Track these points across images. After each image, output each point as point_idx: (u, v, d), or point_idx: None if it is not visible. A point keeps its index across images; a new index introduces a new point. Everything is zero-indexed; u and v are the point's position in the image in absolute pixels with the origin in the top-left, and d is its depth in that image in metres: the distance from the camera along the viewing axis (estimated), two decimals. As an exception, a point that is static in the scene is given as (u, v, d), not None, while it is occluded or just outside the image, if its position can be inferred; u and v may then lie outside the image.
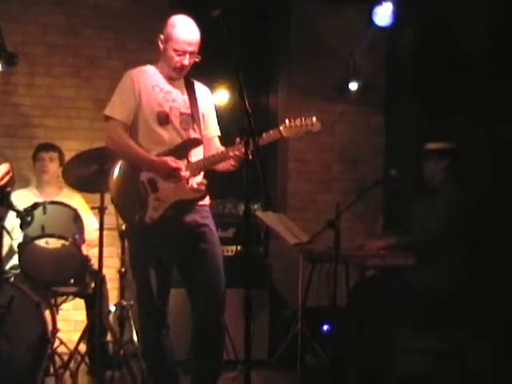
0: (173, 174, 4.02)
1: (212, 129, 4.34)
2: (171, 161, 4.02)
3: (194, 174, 4.10)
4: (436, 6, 6.24)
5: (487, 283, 5.20)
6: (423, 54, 6.55)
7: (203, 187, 4.14)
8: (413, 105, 6.77)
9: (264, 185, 3.50)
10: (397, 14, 6.34)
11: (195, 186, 4.10)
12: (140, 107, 4.12)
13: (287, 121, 4.06)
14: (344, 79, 7.04)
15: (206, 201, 4.22)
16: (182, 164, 4.04)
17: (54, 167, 5.80)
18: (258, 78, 7.16)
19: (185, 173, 4.04)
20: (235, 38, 3.53)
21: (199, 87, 4.32)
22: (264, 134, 4.00)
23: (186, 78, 4.26)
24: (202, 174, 4.19)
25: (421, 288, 5.01)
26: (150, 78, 4.18)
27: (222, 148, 4.24)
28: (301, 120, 4.06)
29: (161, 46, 4.16)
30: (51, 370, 4.92)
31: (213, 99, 4.44)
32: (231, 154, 4.00)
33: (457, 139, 5.47)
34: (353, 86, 7.01)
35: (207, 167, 4.13)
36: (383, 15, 6.42)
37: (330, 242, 5.12)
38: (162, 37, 4.15)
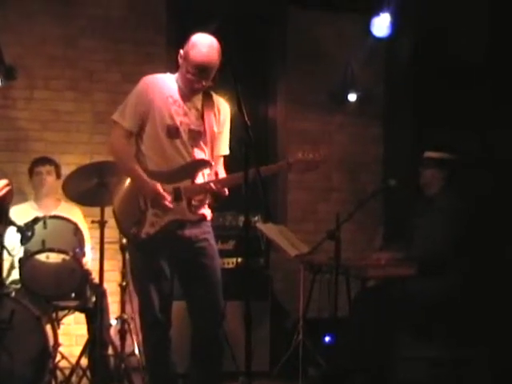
0: (158, 201, 3.97)
1: (220, 148, 4.23)
2: (160, 188, 3.95)
3: (194, 197, 4.05)
4: (433, 16, 6.27)
5: (487, 293, 5.21)
6: (421, 64, 6.57)
7: (203, 210, 4.12)
8: (411, 115, 6.79)
9: (264, 196, 3.50)
10: (394, 24, 6.36)
11: (194, 207, 4.07)
12: (150, 116, 4.04)
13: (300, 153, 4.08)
14: (342, 89, 7.05)
15: (209, 216, 4.19)
16: (170, 195, 3.98)
17: (51, 180, 5.79)
18: (257, 88, 7.18)
19: (169, 204, 3.96)
20: (233, 51, 3.53)
21: (217, 102, 4.19)
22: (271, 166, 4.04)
23: (205, 90, 4.14)
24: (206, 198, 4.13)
25: (422, 298, 5.00)
26: (166, 88, 4.08)
27: (222, 168, 4.24)
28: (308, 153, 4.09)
29: (179, 60, 4.05)
30: (53, 384, 4.93)
31: (229, 116, 4.26)
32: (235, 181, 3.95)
33: (455, 148, 5.47)
34: (351, 97, 7.03)
35: (209, 191, 4.03)
36: (381, 26, 6.43)
37: (330, 253, 5.11)
38: (181, 52, 4.03)
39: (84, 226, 5.59)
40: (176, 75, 4.12)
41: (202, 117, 4.11)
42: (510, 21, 5.65)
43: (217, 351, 4.19)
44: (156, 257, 4.07)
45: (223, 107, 4.21)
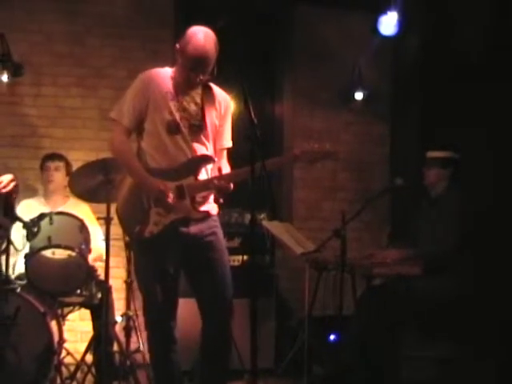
0: (160, 199, 3.93)
1: (223, 141, 4.18)
2: (162, 185, 3.91)
3: (197, 194, 4.01)
4: (441, 14, 6.26)
5: (493, 291, 5.20)
6: (428, 63, 6.56)
7: (207, 207, 4.09)
8: (418, 113, 6.78)
9: (270, 194, 3.48)
10: (402, 23, 6.34)
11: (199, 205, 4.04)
12: (149, 112, 3.99)
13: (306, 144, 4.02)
14: (349, 88, 7.04)
15: (214, 211, 4.16)
16: (173, 193, 3.94)
17: (59, 177, 5.79)
18: (263, 86, 7.18)
19: (171, 200, 3.91)
20: (240, 49, 3.51)
21: (218, 94, 4.12)
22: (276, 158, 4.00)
23: (205, 83, 4.07)
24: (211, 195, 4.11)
25: (427, 296, 4.99)
26: (165, 83, 4.02)
27: (226, 161, 4.22)
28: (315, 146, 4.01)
29: (176, 54, 3.98)
30: (58, 380, 4.92)
31: (231, 108, 4.20)
32: (238, 177, 3.92)
33: (461, 148, 5.46)
34: (358, 95, 7.02)
35: (213, 187, 3.99)
36: (388, 24, 6.41)
37: (336, 251, 5.11)
38: (178, 46, 3.96)
39: (93, 221, 5.57)
40: (174, 69, 4.06)
41: (202, 111, 4.05)
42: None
43: (225, 346, 4.16)
44: (161, 255, 4.03)
45: (224, 99, 4.15)
